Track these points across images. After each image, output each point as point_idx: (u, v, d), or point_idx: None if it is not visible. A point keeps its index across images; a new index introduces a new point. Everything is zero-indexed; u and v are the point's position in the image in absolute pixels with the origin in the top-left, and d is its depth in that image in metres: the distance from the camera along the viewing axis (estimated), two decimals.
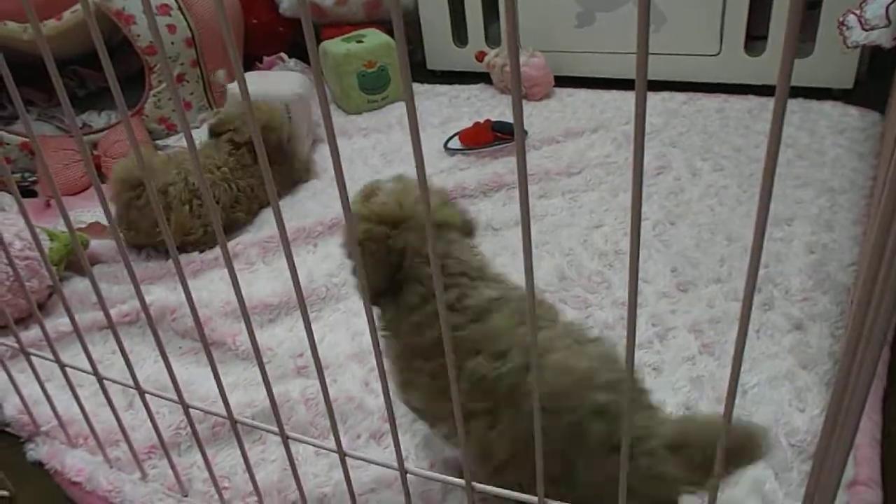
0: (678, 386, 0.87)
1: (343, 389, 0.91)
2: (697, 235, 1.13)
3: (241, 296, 0.58)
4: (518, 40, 1.71)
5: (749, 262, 0.40)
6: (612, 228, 1.17)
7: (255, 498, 0.77)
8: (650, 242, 1.13)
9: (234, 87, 1.58)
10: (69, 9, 1.47)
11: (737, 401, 0.87)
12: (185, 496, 0.80)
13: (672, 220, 1.17)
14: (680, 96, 1.56)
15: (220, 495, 0.76)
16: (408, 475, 0.59)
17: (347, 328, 1.03)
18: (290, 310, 1.08)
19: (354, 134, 1.62)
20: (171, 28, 1.50)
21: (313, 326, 0.55)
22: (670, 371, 0.89)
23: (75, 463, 0.85)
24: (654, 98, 1.57)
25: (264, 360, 0.62)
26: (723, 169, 1.30)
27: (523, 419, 0.57)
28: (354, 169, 1.46)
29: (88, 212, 1.37)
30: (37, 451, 0.88)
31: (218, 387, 0.64)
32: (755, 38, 1.52)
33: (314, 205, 1.36)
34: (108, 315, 0.67)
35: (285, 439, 0.64)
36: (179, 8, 1.51)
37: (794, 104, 1.47)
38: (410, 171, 1.60)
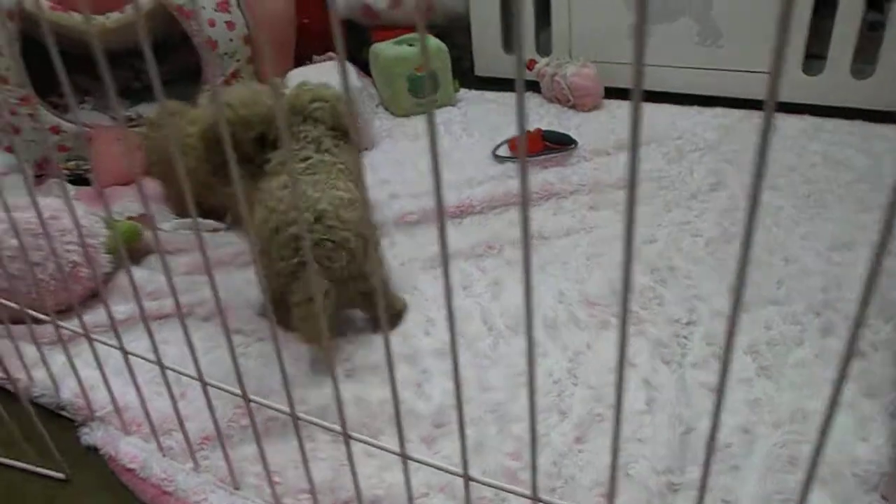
0: (735, 408, 0.85)
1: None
2: (753, 255, 1.11)
3: (316, 294, 0.58)
4: (570, 50, 1.71)
5: (857, 309, 0.39)
6: (665, 245, 1.16)
7: (307, 495, 0.77)
8: (704, 259, 1.12)
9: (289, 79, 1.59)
10: (131, 2, 1.50)
11: (798, 426, 0.85)
12: (237, 489, 0.81)
13: (727, 239, 1.15)
14: (736, 113, 1.53)
15: (273, 490, 0.77)
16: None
17: (397, 330, 1.03)
18: None
19: (402, 138, 1.62)
20: (230, 25, 1.52)
21: None
22: (727, 392, 0.87)
23: (129, 449, 0.86)
24: (707, 113, 1.55)
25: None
26: (778, 189, 1.28)
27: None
28: (404, 172, 1.46)
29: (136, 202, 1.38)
30: (91, 435, 0.90)
31: (283, 381, 0.65)
32: (813, 56, 1.50)
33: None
34: (178, 302, 0.68)
35: (347, 438, 0.64)
36: (238, 5, 1.53)
37: (852, 126, 1.45)
38: (457, 177, 1.57)
